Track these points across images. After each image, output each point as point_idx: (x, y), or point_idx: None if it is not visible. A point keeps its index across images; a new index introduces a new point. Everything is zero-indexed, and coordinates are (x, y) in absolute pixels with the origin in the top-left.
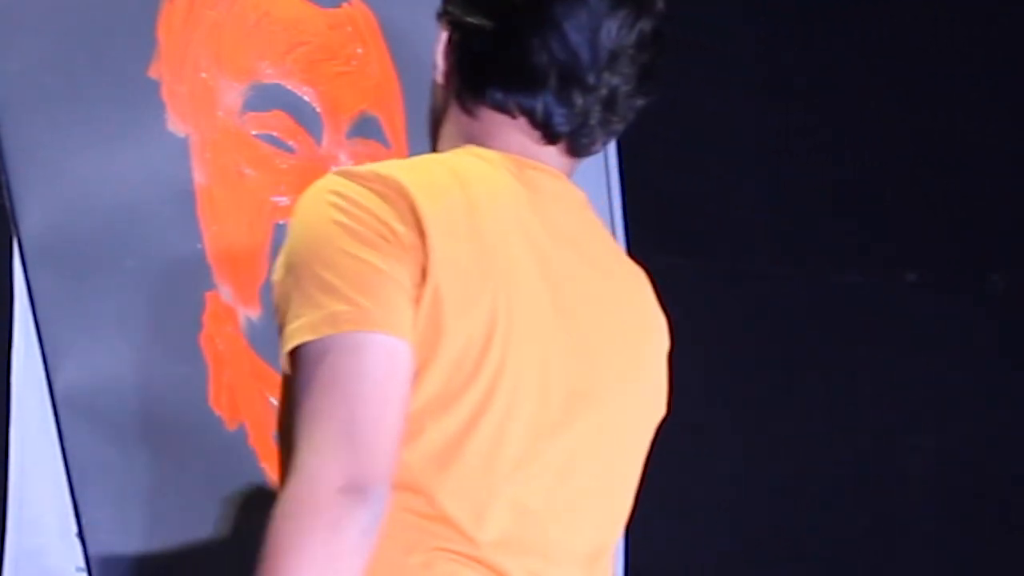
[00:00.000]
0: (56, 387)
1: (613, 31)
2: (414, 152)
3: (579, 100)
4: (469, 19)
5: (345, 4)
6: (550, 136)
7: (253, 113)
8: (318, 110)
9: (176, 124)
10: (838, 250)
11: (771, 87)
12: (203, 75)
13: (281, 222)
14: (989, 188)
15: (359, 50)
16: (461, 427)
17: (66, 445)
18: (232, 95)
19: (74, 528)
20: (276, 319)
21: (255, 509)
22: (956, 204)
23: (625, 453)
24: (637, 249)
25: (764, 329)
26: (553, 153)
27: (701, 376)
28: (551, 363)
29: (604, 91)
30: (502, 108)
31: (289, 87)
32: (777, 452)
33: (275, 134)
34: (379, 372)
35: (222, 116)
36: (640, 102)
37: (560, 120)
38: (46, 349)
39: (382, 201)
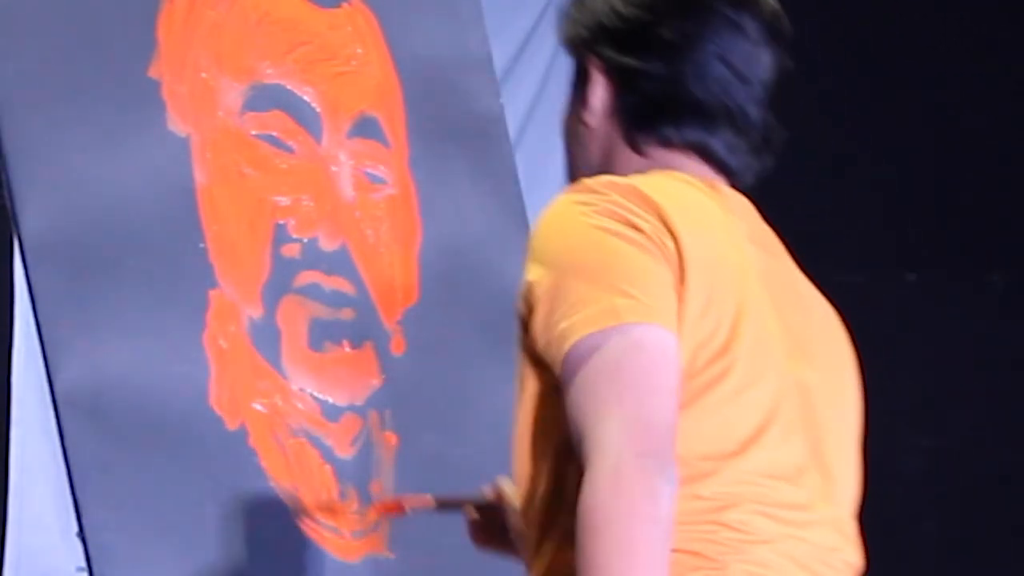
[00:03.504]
0: (56, 387)
1: (766, 63)
2: (414, 152)
3: (745, 134)
4: (630, 62)
5: (345, 4)
6: (721, 168)
7: (253, 113)
8: (318, 110)
9: (176, 124)
10: (839, 250)
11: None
12: (203, 75)
13: (281, 222)
14: (989, 188)
15: (359, 50)
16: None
17: (66, 445)
18: (232, 95)
19: (74, 528)
20: (529, 318)
21: (255, 509)
22: (957, 205)
23: (849, 431)
24: None
25: None
26: (722, 180)
27: None
28: (779, 355)
29: (762, 124)
30: (673, 145)
31: (289, 87)
32: None
33: (275, 134)
34: (657, 364)
35: (222, 116)
36: (783, 135)
37: (729, 154)
38: (46, 349)
39: (634, 207)
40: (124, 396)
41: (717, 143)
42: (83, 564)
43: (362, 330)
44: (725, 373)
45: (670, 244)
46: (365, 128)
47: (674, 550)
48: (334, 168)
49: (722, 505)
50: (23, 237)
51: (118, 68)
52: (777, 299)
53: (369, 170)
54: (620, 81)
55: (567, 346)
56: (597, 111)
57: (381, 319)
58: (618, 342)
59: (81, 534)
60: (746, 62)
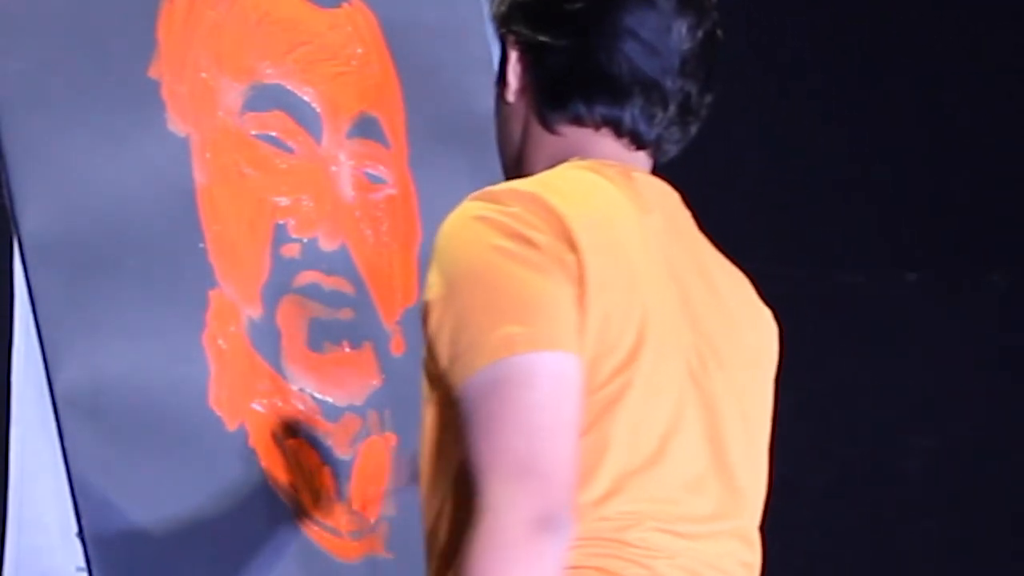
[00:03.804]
0: (56, 387)
1: (683, 34)
2: (414, 152)
3: (661, 106)
4: (541, 38)
5: (345, 4)
6: (638, 143)
7: (253, 113)
8: (318, 110)
9: (176, 124)
10: (838, 250)
11: (771, 86)
12: (203, 75)
13: (281, 222)
14: (989, 188)
15: (359, 50)
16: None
17: (66, 445)
18: (232, 95)
19: (74, 528)
20: (429, 340)
21: (255, 509)
22: (956, 204)
23: (756, 433)
24: None
25: None
26: (641, 156)
27: None
28: (688, 346)
29: (681, 95)
30: (585, 122)
31: (289, 87)
32: (776, 451)
33: (275, 134)
34: (554, 396)
35: (222, 116)
36: (709, 99)
37: (646, 127)
38: (46, 349)
39: (534, 219)
40: (124, 396)
41: (630, 117)
42: (83, 564)
43: (362, 330)
44: (627, 387)
45: (569, 257)
46: (365, 128)
47: (580, 567)
48: (334, 168)
49: (625, 525)
50: (23, 237)
51: (118, 68)
52: (688, 297)
53: (369, 170)
54: (532, 58)
55: (465, 378)
56: (515, 89)
57: (381, 319)
58: (510, 376)
59: (81, 534)
60: (657, 34)
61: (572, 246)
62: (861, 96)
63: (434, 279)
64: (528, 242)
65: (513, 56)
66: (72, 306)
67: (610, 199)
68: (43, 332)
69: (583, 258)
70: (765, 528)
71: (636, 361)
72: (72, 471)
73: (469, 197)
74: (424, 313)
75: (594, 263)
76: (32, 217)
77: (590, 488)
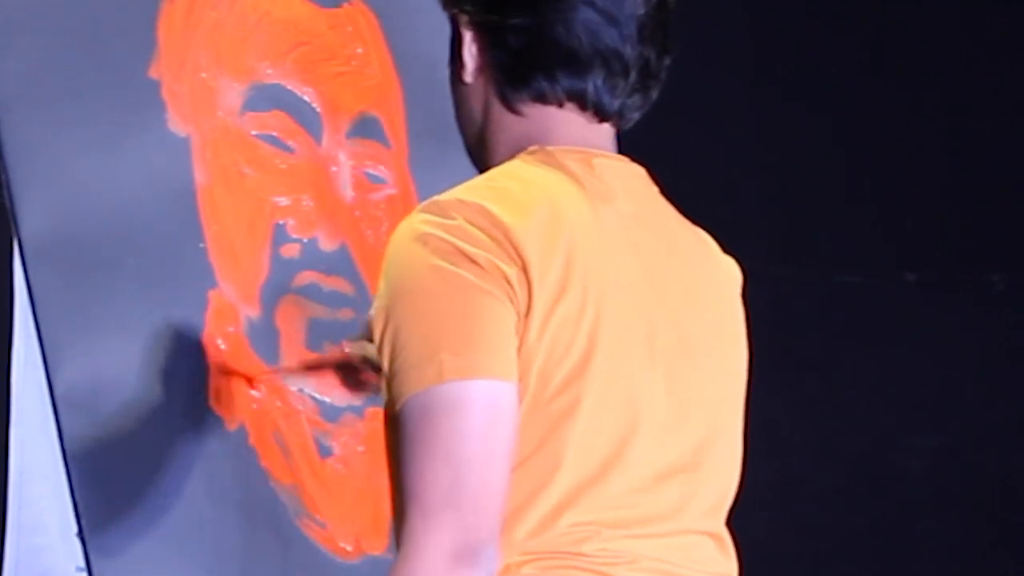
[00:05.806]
0: (56, 387)
1: (637, 0)
2: (414, 152)
3: (622, 75)
4: (494, 16)
5: (345, 4)
6: (602, 115)
7: (253, 113)
8: (318, 110)
9: (176, 124)
10: (838, 250)
11: (771, 86)
12: (203, 75)
13: (280, 222)
14: (989, 188)
15: (359, 50)
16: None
17: (66, 445)
18: (232, 95)
19: (74, 528)
20: (377, 348)
21: (255, 509)
22: (956, 204)
23: (729, 430)
24: None
25: (764, 329)
26: (604, 130)
27: None
28: (655, 339)
29: (641, 61)
30: (548, 98)
31: (289, 87)
32: (776, 452)
33: (275, 134)
34: (484, 425)
35: (222, 116)
36: (668, 62)
37: (609, 98)
38: (46, 349)
39: (476, 233)
40: (124, 396)
41: (593, 88)
42: (83, 564)
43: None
44: (581, 397)
45: (513, 271)
46: (365, 128)
47: None
48: (334, 168)
49: (583, 537)
50: (23, 237)
51: (118, 68)
52: (660, 283)
53: (369, 170)
54: (488, 36)
55: (399, 401)
56: (471, 69)
57: None
58: (438, 404)
59: (81, 534)
60: (612, 2)
61: (518, 258)
62: (861, 96)
63: (380, 290)
64: (468, 260)
65: (467, 36)
66: (72, 306)
67: (562, 198)
68: (43, 332)
69: (530, 270)
70: (764, 528)
71: (588, 368)
72: (72, 471)
73: (418, 207)
74: (372, 320)
75: (541, 274)
76: (32, 217)
77: (543, 503)
